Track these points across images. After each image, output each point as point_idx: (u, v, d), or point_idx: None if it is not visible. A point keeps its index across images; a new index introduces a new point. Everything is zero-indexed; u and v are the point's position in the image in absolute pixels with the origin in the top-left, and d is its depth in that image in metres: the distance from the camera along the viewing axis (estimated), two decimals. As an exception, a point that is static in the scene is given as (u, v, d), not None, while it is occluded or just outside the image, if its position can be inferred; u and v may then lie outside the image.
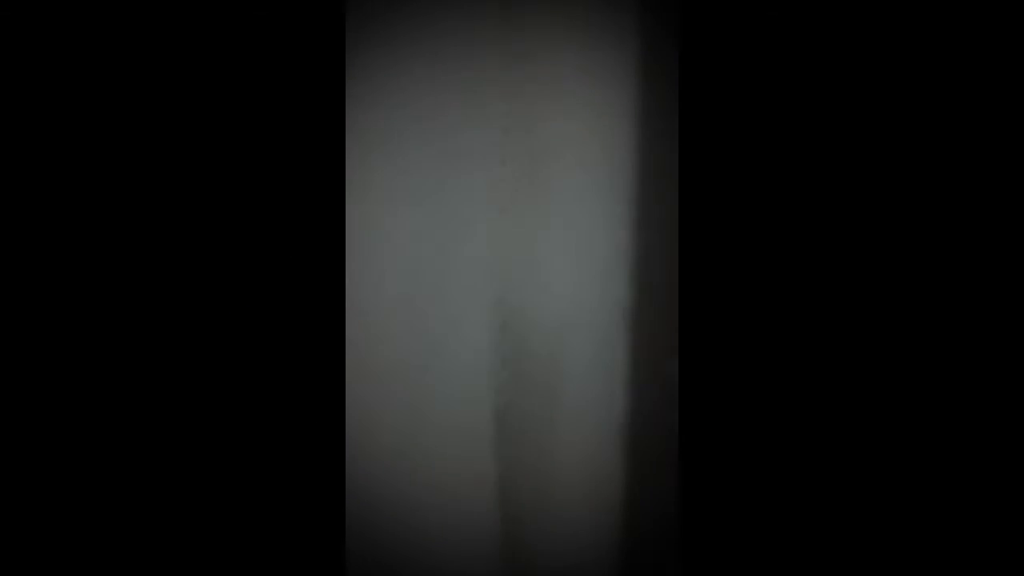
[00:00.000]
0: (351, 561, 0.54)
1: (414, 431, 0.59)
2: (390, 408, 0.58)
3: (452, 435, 0.59)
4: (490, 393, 0.60)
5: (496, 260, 0.60)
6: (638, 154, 0.49)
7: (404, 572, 0.58)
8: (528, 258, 0.59)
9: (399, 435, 0.58)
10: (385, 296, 0.56)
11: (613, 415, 0.56)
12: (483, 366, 0.60)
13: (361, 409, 0.55)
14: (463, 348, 0.59)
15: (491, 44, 0.55)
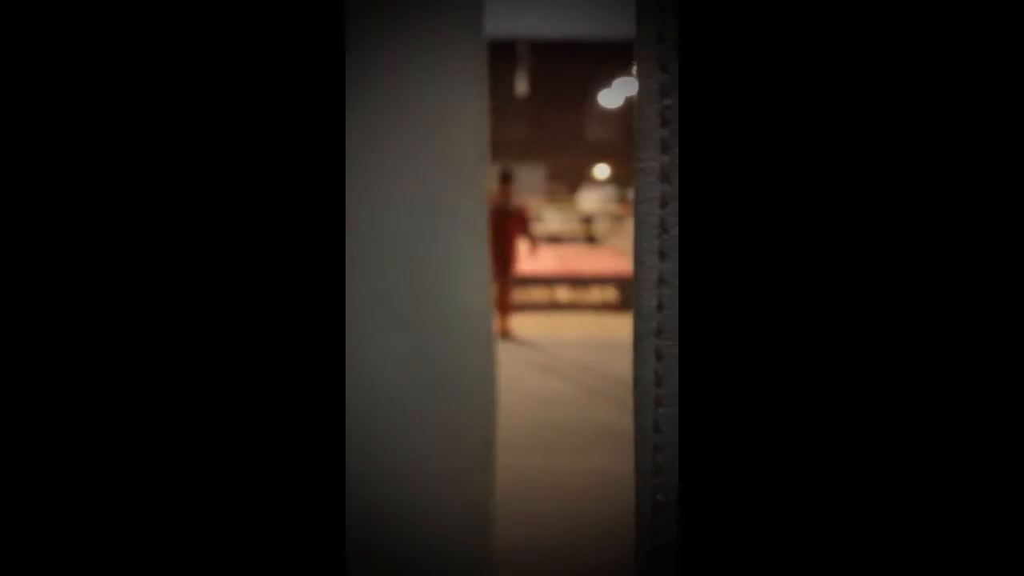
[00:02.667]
0: (351, 558, 0.52)
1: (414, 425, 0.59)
2: (390, 401, 0.57)
3: (451, 431, 0.59)
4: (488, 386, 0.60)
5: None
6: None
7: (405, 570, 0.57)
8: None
9: (399, 431, 0.58)
10: (385, 290, 0.57)
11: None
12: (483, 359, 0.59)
13: (361, 403, 0.55)
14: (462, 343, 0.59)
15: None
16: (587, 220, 12.56)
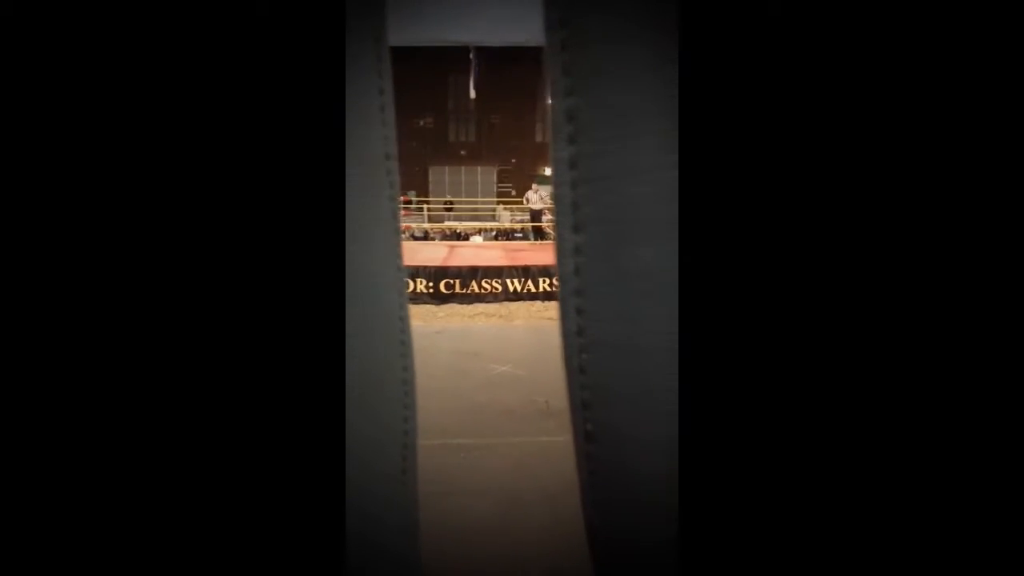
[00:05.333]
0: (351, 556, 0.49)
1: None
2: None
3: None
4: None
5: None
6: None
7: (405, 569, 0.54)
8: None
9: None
10: (384, 288, 0.53)
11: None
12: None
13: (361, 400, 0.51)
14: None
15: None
16: (536, 216, 12.64)
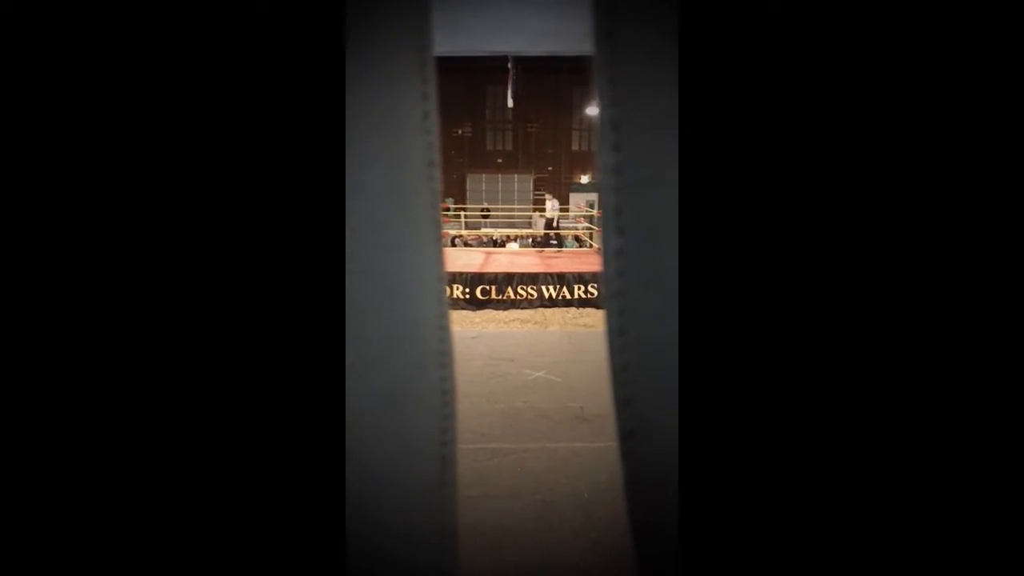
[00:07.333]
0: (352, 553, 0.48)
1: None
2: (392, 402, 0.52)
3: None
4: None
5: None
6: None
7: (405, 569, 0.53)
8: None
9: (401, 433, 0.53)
10: (382, 291, 0.51)
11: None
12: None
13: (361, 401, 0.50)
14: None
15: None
16: (549, 224, 12.67)
